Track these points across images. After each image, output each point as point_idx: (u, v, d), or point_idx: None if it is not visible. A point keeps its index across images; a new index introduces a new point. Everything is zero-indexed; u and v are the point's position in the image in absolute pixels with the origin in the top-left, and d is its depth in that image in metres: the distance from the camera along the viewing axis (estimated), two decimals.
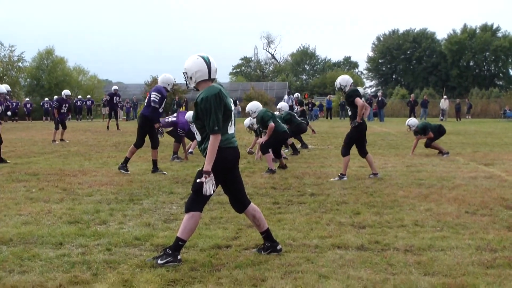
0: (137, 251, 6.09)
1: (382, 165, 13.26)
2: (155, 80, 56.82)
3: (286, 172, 12.08)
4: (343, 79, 11.43)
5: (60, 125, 20.61)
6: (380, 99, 42.31)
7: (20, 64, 58.17)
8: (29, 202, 8.82)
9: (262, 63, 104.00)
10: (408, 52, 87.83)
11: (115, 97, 28.66)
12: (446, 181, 10.69)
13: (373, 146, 16.69)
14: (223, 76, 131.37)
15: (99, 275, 5.25)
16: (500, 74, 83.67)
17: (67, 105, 21.63)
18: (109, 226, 7.29)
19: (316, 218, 7.58)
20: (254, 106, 13.31)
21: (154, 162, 12.33)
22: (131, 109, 48.03)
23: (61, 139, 20.52)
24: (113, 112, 28.71)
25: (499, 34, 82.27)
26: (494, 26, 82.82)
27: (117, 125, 28.26)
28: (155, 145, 12.35)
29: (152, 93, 12.20)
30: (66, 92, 22.23)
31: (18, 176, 11.62)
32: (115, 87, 30.89)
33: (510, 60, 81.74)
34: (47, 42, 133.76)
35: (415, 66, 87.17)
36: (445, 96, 47.65)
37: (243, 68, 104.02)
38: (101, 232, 6.88)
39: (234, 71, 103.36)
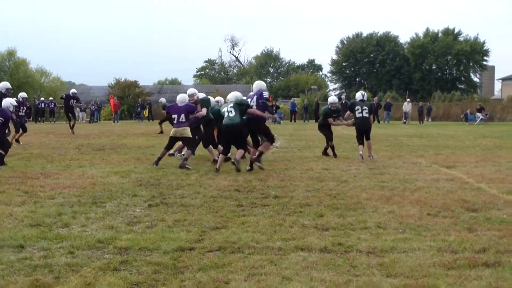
0: (100, 254, 6.06)
1: (346, 167, 13.37)
2: (118, 82, 56.59)
3: (250, 175, 12.09)
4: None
5: (20, 128, 20.23)
6: (344, 102, 42.55)
7: None
8: None
9: (226, 65, 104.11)
10: (372, 55, 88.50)
11: (71, 100, 27.20)
12: (409, 183, 10.81)
13: (336, 149, 16.72)
14: (187, 78, 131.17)
15: (61, 278, 5.21)
16: (462, 78, 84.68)
17: (24, 107, 21.38)
18: (72, 229, 7.22)
19: (279, 221, 7.61)
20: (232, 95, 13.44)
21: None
22: (96, 111, 47.53)
23: (16, 140, 19.96)
24: (70, 114, 27.37)
25: (461, 38, 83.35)
26: (456, 30, 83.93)
27: (72, 126, 27.04)
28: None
29: None
30: (22, 94, 21.82)
31: None
32: (73, 90, 29.96)
33: (471, 64, 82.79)
34: (9, 43, 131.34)
35: (378, 69, 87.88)
36: (408, 99, 48.21)
37: (207, 70, 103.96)
38: (63, 235, 6.83)
39: (198, 73, 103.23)
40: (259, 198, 9.42)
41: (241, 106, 12.95)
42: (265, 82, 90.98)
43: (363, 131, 15.36)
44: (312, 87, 73.50)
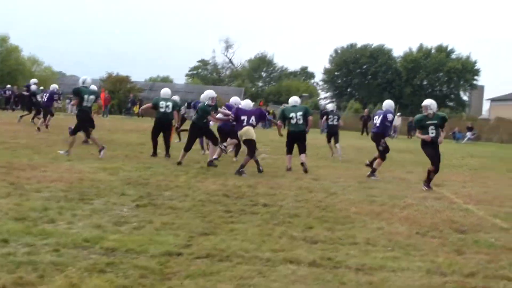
0: (86, 253, 5.94)
1: (335, 179, 13.30)
2: (110, 76, 56.32)
3: (240, 180, 12.00)
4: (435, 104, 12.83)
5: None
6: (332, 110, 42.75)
7: None
8: None
9: (219, 66, 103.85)
10: (365, 66, 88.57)
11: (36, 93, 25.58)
12: (398, 199, 10.74)
13: (325, 159, 16.73)
14: (179, 77, 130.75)
15: (45, 277, 5.10)
16: (452, 96, 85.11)
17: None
18: (58, 225, 7.09)
19: (268, 230, 7.52)
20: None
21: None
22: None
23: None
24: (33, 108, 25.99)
25: (453, 56, 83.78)
26: (449, 48, 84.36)
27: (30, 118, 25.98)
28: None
29: None
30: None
31: None
32: (34, 80, 28.69)
33: (461, 82, 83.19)
34: (2, 28, 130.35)
35: (370, 81, 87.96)
36: (398, 113, 48.23)
37: (200, 70, 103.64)
38: (49, 231, 6.70)
39: (190, 72, 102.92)
40: (248, 205, 9.32)
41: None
42: (257, 86, 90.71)
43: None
44: (303, 94, 73.47)
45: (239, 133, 14.18)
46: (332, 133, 20.46)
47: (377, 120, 14.97)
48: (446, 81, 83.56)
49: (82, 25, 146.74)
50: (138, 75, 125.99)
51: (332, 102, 76.85)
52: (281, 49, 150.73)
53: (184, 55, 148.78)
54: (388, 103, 15.38)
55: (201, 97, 13.58)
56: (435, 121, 12.53)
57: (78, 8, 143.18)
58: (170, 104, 16.27)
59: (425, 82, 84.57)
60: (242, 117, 14.26)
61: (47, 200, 8.52)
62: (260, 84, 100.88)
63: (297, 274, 5.65)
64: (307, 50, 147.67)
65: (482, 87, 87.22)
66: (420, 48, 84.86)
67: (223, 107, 16.11)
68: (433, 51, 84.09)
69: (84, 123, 15.14)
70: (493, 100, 77.34)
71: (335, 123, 20.46)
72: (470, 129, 44.24)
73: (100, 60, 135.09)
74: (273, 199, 10.06)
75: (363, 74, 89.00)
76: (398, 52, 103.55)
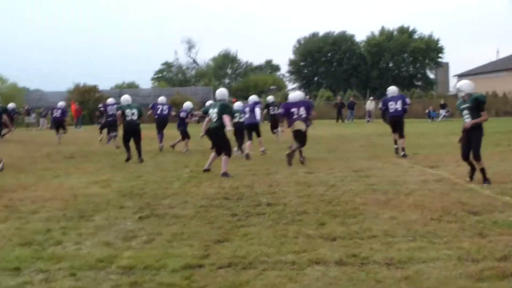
0: (104, 274, 5.69)
1: (328, 170, 13.08)
2: (77, 88, 55.51)
3: (236, 181, 11.73)
4: (468, 85, 11.19)
5: None
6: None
7: None
8: None
9: (183, 68, 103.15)
10: (329, 54, 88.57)
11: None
12: (399, 185, 10.56)
13: (311, 150, 16.51)
14: (145, 81, 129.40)
15: None
16: (418, 75, 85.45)
17: None
18: (66, 246, 6.81)
19: (282, 231, 7.30)
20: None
21: None
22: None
23: None
24: None
25: (416, 36, 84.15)
26: (411, 28, 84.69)
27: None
28: None
29: None
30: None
31: None
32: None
33: (427, 61, 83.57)
34: None
35: (336, 68, 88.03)
36: (371, 98, 48.33)
37: (165, 73, 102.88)
38: (59, 254, 6.42)
39: (156, 76, 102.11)
40: (251, 206, 9.07)
41: None
42: (223, 83, 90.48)
43: None
44: (271, 87, 73.26)
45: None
46: (275, 122, 22.09)
47: (395, 105, 16.00)
48: (412, 62, 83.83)
49: (40, 37, 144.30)
50: (103, 84, 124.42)
51: (302, 92, 76.79)
52: (244, 44, 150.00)
53: (147, 59, 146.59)
54: (394, 89, 16.73)
55: (219, 97, 13.28)
56: (468, 104, 10.95)
57: (36, 19, 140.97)
58: (135, 111, 16.58)
59: (391, 64, 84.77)
60: (292, 110, 14.94)
61: (48, 221, 8.22)
62: (226, 81, 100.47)
63: (329, 276, 5.44)
64: (270, 43, 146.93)
65: (447, 64, 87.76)
66: (382, 31, 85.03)
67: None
68: (395, 33, 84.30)
69: None
70: (459, 76, 77.95)
71: (276, 112, 22.00)
72: (443, 106, 44.23)
73: (63, 72, 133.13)
74: (274, 197, 9.82)
75: (328, 62, 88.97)
76: (360, 37, 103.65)
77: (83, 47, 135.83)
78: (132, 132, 16.48)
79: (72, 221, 8.23)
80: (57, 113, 26.17)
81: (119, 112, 16.79)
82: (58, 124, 25.93)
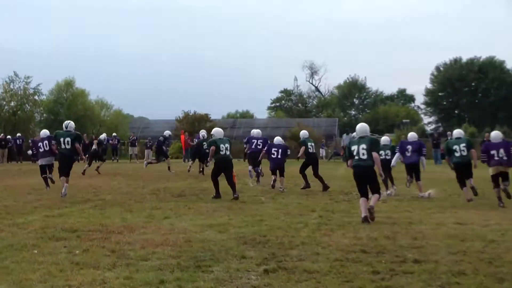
0: None
1: (484, 222, 12.46)
2: (186, 116, 56.53)
3: (374, 230, 11.33)
4: None
5: None
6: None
7: (36, 97, 57.90)
8: (76, 268, 8.21)
9: (304, 96, 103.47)
10: (473, 84, 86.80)
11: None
12: None
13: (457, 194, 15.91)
14: (260, 111, 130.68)
15: None
16: None
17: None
18: None
19: None
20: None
21: None
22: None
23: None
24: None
25: None
26: None
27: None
28: None
29: None
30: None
31: (54, 232, 11.01)
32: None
33: None
34: (67, 72, 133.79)
35: (481, 99, 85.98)
36: None
37: (283, 102, 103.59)
38: None
39: (273, 105, 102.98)
40: (395, 262, 8.67)
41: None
42: (349, 115, 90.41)
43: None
44: (404, 120, 72.24)
45: None
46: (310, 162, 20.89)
47: (502, 153, 15.69)
48: None
49: (140, 59, 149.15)
50: (214, 112, 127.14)
51: (438, 127, 75.32)
52: (374, 71, 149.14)
53: (262, 86, 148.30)
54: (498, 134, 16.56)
55: (362, 133, 13.26)
56: None
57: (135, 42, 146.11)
58: (228, 145, 17.64)
59: None
60: (492, 152, 15.69)
61: (160, 270, 8.12)
62: (353, 112, 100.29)
63: None
64: (403, 69, 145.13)
65: None
66: None
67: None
68: None
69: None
70: None
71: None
72: None
73: (166, 98, 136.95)
74: (422, 252, 9.37)
75: (472, 92, 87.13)
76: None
77: (194, 73, 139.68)
78: (224, 167, 17.48)
79: (187, 271, 8.09)
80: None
81: (213, 147, 17.51)
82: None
